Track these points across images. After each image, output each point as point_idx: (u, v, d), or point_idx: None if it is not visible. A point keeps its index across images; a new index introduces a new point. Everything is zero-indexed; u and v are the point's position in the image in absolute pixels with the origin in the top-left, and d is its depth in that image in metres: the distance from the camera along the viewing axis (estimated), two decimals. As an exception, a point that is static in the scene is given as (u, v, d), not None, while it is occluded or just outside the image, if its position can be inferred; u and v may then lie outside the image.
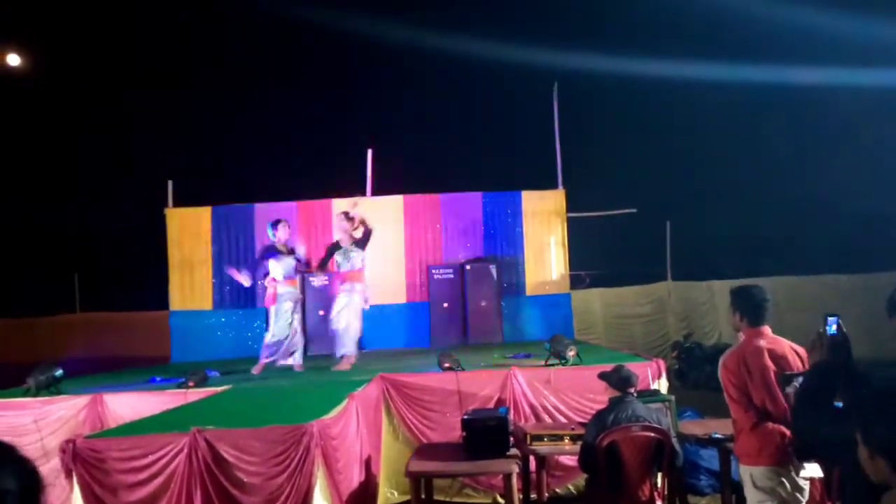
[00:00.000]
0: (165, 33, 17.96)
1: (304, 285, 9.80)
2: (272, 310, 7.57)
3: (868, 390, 2.28)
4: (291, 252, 7.57)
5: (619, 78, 16.47)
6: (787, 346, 3.74)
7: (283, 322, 7.40)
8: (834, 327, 2.46)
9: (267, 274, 7.50)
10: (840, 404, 2.43)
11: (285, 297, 7.44)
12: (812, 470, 3.54)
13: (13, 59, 13.91)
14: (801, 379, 2.94)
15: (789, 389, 3.37)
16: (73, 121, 18.05)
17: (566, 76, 12.08)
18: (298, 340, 7.55)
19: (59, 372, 6.19)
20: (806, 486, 3.62)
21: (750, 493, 3.67)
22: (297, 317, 7.58)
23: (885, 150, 15.35)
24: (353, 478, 4.70)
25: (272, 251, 7.46)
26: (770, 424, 3.55)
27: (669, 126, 18.52)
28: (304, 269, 7.98)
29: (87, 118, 18.05)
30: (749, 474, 3.65)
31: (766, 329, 3.79)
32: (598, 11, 17.72)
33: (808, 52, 14.86)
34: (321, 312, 9.86)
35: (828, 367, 2.40)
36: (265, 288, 7.73)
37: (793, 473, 3.56)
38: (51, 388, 6.05)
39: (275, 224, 7.56)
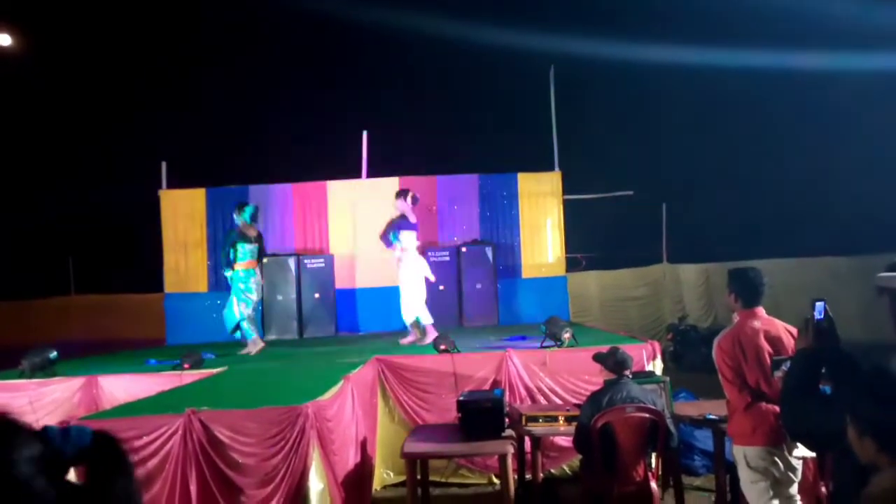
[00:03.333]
0: (160, 15, 17.76)
1: (299, 267, 9.79)
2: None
3: (857, 372, 2.28)
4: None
5: (615, 61, 16.37)
6: (781, 328, 3.75)
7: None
8: (821, 312, 2.45)
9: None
10: (827, 389, 2.43)
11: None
12: (805, 450, 3.55)
13: (4, 40, 13.75)
14: (788, 363, 2.93)
15: (778, 373, 3.37)
16: (66, 103, 17.89)
17: (563, 58, 11.99)
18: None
19: (54, 354, 6.18)
20: (799, 465, 3.65)
21: (743, 472, 3.69)
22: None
23: (882, 133, 15.32)
24: (349, 459, 4.72)
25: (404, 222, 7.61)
26: (764, 405, 3.57)
27: (666, 109, 18.44)
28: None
29: (81, 100, 17.89)
30: (743, 454, 3.67)
31: (761, 310, 3.80)
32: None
33: (806, 35, 14.77)
34: (317, 295, 9.87)
35: (813, 353, 2.40)
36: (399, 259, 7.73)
37: (786, 453, 3.59)
38: (45, 370, 6.04)
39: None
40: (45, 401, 5.71)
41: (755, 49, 15.81)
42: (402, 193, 7.76)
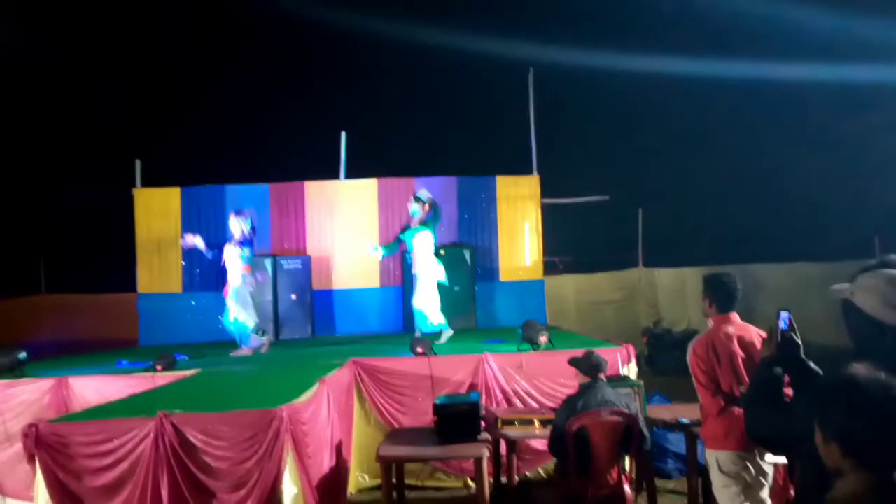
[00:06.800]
0: (136, 14, 17.55)
1: (275, 268, 9.71)
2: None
3: (817, 381, 2.33)
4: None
5: (595, 66, 16.51)
6: (754, 333, 3.80)
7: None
8: (785, 322, 2.49)
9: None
10: (790, 397, 2.48)
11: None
12: (776, 456, 3.60)
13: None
14: None
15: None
16: (39, 99, 17.59)
17: (542, 63, 12.04)
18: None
19: (23, 355, 6.07)
20: (770, 470, 3.69)
21: (715, 476, 3.73)
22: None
23: (855, 141, 15.62)
24: (324, 463, 4.68)
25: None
26: (736, 410, 3.60)
27: (643, 114, 18.65)
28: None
29: (54, 96, 17.60)
30: (715, 458, 3.71)
31: (735, 316, 3.85)
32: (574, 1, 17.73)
33: (780, 45, 15.04)
34: (293, 297, 9.79)
35: (775, 361, 2.45)
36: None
37: (758, 458, 3.63)
38: (14, 371, 5.93)
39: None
40: (13, 402, 5.59)
41: (732, 58, 16.06)
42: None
